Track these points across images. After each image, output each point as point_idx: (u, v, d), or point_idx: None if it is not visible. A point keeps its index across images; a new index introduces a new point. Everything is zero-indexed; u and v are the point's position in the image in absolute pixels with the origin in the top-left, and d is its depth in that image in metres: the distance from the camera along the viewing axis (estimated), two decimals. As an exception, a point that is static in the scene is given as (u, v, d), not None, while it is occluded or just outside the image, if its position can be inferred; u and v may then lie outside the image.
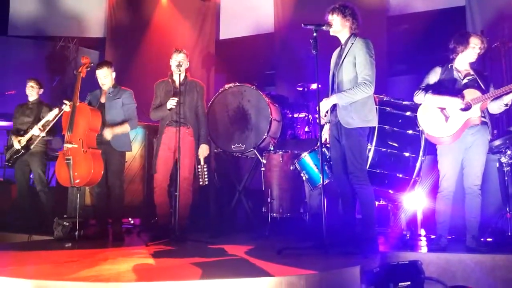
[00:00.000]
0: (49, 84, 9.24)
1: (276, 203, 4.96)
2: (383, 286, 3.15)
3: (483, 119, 3.91)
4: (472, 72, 4.02)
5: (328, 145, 4.16)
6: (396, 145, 4.32)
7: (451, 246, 3.97)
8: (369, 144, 4.16)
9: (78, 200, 4.71)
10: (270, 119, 5.19)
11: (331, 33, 3.95)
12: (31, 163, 5.57)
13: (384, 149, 4.29)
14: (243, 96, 5.39)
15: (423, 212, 4.69)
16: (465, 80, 3.99)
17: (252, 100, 5.35)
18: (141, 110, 5.18)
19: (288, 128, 6.81)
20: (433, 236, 4.25)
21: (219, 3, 9.10)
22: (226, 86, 5.50)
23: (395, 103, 4.44)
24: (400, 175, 4.32)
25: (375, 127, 4.09)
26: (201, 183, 4.72)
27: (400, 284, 3.16)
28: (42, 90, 5.80)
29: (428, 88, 4.04)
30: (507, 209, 4.33)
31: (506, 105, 3.83)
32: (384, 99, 4.46)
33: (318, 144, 3.92)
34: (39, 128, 5.35)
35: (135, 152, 5.95)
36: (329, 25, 3.88)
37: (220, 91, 5.53)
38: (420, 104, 4.10)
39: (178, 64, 4.62)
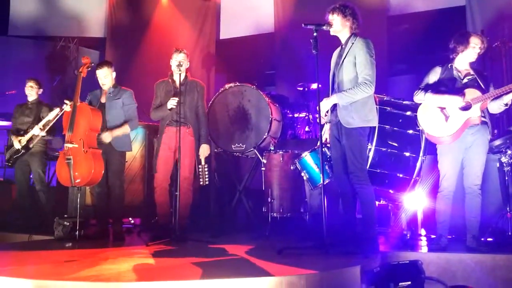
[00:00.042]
0: (50, 84, 9.25)
1: (277, 203, 4.96)
2: (383, 286, 3.15)
3: (483, 118, 3.91)
4: (472, 72, 4.02)
5: (328, 145, 4.17)
6: (396, 145, 4.32)
7: (452, 246, 3.98)
8: (369, 144, 4.16)
9: (78, 200, 4.71)
10: (270, 119, 5.19)
11: (332, 33, 3.95)
12: (31, 162, 5.57)
13: (384, 149, 4.29)
14: (243, 96, 5.39)
15: (423, 212, 4.69)
16: (465, 80, 3.99)
17: (253, 100, 5.35)
18: (141, 110, 5.18)
19: (288, 128, 6.82)
20: (433, 236, 4.25)
21: (219, 3, 9.10)
22: (227, 86, 5.49)
23: (396, 103, 4.44)
24: (401, 175, 4.32)
25: (375, 126, 4.09)
26: (201, 183, 4.72)
27: (400, 284, 3.16)
28: (41, 90, 5.80)
29: (428, 88, 4.04)
30: (508, 209, 4.33)
31: (506, 104, 3.83)
32: (385, 98, 4.47)
33: (319, 143, 3.93)
34: (40, 128, 5.35)
35: (135, 152, 5.95)
36: (330, 25, 3.87)
37: (220, 91, 5.53)
38: (420, 104, 4.10)
39: (179, 64, 4.62)
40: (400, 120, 4.36)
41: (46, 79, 9.12)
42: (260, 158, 5.14)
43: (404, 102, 4.43)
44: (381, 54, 5.92)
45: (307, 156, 4.63)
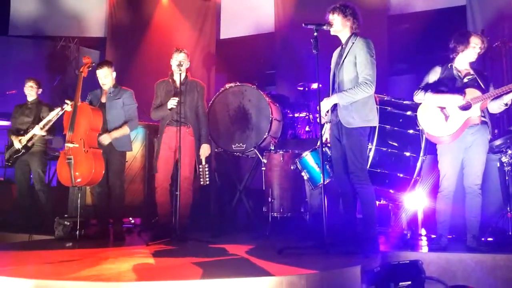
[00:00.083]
0: (50, 84, 9.25)
1: (277, 203, 4.96)
2: (383, 285, 3.15)
3: (483, 118, 3.91)
4: (472, 72, 4.02)
5: (329, 145, 4.16)
6: (396, 144, 4.32)
7: (452, 246, 3.98)
8: (369, 143, 4.16)
9: (79, 199, 4.71)
10: (270, 118, 5.19)
11: (332, 33, 3.95)
12: (31, 162, 5.57)
13: (384, 149, 4.29)
14: (243, 95, 5.39)
15: (423, 212, 4.69)
16: (465, 80, 3.99)
17: (253, 99, 5.34)
18: (141, 109, 5.18)
19: (288, 128, 6.82)
20: (433, 236, 4.26)
21: (220, 2, 9.10)
22: (227, 86, 5.49)
23: (396, 103, 4.44)
24: (401, 175, 4.32)
25: (375, 126, 4.09)
26: (202, 182, 4.72)
27: (400, 283, 3.16)
28: (41, 90, 5.81)
29: (428, 88, 4.04)
30: (508, 208, 4.33)
31: (506, 104, 3.83)
32: (385, 98, 4.47)
33: (319, 143, 3.92)
34: (40, 128, 5.35)
35: (135, 151, 5.95)
36: (330, 24, 3.87)
37: (220, 90, 5.53)
38: (420, 104, 4.10)
39: (179, 64, 4.62)
40: (401, 120, 4.36)
41: (47, 79, 9.12)
42: (261, 158, 5.14)
43: (404, 102, 4.43)
44: (381, 54, 5.91)
45: (307, 156, 4.63)
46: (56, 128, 5.63)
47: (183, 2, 9.14)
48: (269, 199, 4.95)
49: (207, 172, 4.72)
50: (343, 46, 3.93)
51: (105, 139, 4.70)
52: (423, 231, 4.69)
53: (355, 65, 3.78)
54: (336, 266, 3.10)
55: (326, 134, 4.18)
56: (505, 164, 4.44)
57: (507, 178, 4.41)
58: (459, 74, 4.02)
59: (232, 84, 5.46)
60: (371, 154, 4.24)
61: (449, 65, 4.07)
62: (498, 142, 4.51)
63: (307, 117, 7.17)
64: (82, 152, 4.54)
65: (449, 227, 4.00)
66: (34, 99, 5.71)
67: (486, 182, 4.19)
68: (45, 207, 5.61)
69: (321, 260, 3.35)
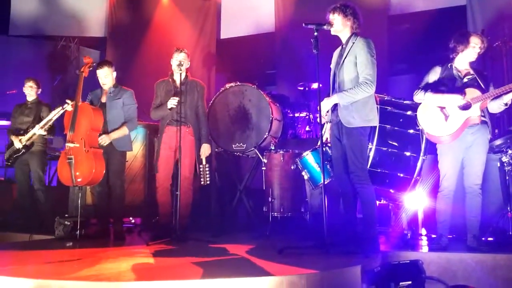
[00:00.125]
0: (50, 84, 9.26)
1: (277, 203, 4.96)
2: (384, 285, 3.15)
3: (483, 118, 3.91)
4: (472, 72, 4.02)
5: (329, 145, 4.16)
6: (397, 144, 4.32)
7: (452, 246, 3.98)
8: (370, 143, 4.16)
9: (79, 199, 4.71)
10: (271, 118, 5.19)
11: (332, 33, 3.95)
12: (31, 162, 5.56)
13: (385, 149, 4.29)
14: (244, 95, 5.39)
15: (424, 212, 4.69)
16: (465, 80, 3.99)
17: (253, 99, 5.34)
18: (141, 109, 5.18)
19: (289, 128, 6.82)
20: (434, 236, 4.25)
21: (220, 2, 9.11)
22: (227, 86, 5.49)
23: (396, 103, 4.44)
24: (401, 175, 4.32)
25: (376, 126, 4.09)
26: (202, 182, 4.72)
27: (401, 283, 3.16)
28: (40, 89, 5.81)
29: (428, 87, 4.04)
30: (508, 208, 4.33)
31: (506, 104, 3.83)
32: (385, 98, 4.47)
33: (319, 143, 3.93)
34: (41, 127, 5.34)
35: (136, 151, 5.95)
36: (330, 24, 3.87)
37: (221, 90, 5.52)
38: (420, 103, 4.10)
39: (179, 64, 4.62)
40: (401, 120, 4.36)
41: (47, 79, 9.14)
42: (261, 158, 5.14)
43: (404, 102, 4.43)
44: (381, 54, 5.92)
45: (308, 156, 4.63)
46: (56, 128, 5.64)
47: (183, 1, 9.15)
48: (270, 199, 4.95)
49: (207, 172, 4.72)
50: (344, 46, 3.93)
51: (104, 140, 4.70)
52: (423, 231, 4.69)
53: (356, 65, 3.78)
54: (337, 266, 3.09)
55: (326, 134, 4.18)
56: (505, 164, 4.44)
57: (507, 178, 4.41)
58: (459, 74, 4.02)
59: (233, 84, 5.46)
60: (371, 154, 4.24)
61: (449, 65, 4.07)
62: (498, 142, 4.51)
63: (307, 117, 7.18)
64: (83, 152, 4.54)
65: (449, 227, 4.00)
66: (34, 99, 5.72)
67: (486, 182, 4.19)
68: (44, 207, 5.61)
69: (321, 260, 3.35)
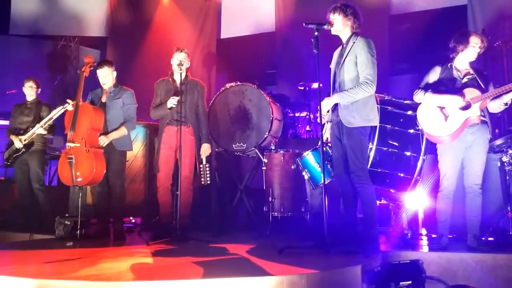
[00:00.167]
0: (51, 83, 9.27)
1: (278, 202, 4.96)
2: (384, 285, 3.15)
3: (482, 118, 3.90)
4: (472, 71, 4.02)
5: (329, 145, 4.16)
6: (397, 144, 4.32)
7: (452, 246, 3.98)
8: (370, 143, 4.16)
9: (79, 199, 4.71)
10: (271, 118, 5.19)
11: (333, 32, 3.94)
12: (30, 161, 5.56)
13: (385, 148, 4.29)
14: (244, 95, 5.39)
15: (424, 211, 4.69)
16: (465, 79, 3.99)
17: (253, 99, 5.34)
18: (142, 108, 5.18)
19: (289, 127, 6.81)
20: (434, 235, 4.25)
21: (220, 2, 9.11)
22: (227, 85, 5.49)
23: (397, 102, 4.44)
24: (401, 174, 4.32)
25: (376, 126, 4.08)
26: (203, 182, 4.72)
27: (401, 283, 3.16)
28: (40, 89, 5.82)
29: (428, 87, 4.03)
30: (508, 208, 4.32)
31: (506, 104, 3.83)
32: (386, 98, 4.46)
33: (320, 143, 3.92)
34: (42, 127, 5.34)
35: (136, 151, 5.95)
36: (331, 24, 3.87)
37: (221, 90, 5.52)
38: (420, 103, 4.10)
39: (179, 63, 4.62)
40: (401, 120, 4.36)
41: (47, 78, 9.15)
42: (261, 158, 5.14)
43: (405, 102, 4.43)
44: (382, 53, 5.92)
45: (308, 155, 4.63)
46: (56, 128, 5.64)
47: (183, 1, 9.15)
48: (270, 199, 4.95)
49: (207, 172, 4.72)
50: (344, 45, 3.93)
51: (103, 141, 4.70)
52: (423, 231, 4.70)
53: (356, 65, 3.78)
54: (337, 266, 3.09)
55: (326, 133, 4.18)
56: (505, 164, 4.43)
57: (507, 177, 4.41)
58: (459, 73, 4.02)
59: (233, 84, 5.46)
60: (372, 154, 4.24)
61: (449, 64, 4.07)
62: (498, 141, 4.51)
63: (307, 116, 7.17)
64: (84, 152, 4.54)
65: (449, 227, 4.00)
66: (33, 99, 5.72)
67: (486, 181, 4.19)
68: (44, 206, 5.60)
69: (321, 260, 3.35)
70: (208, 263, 3.32)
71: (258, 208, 5.31)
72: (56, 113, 5.16)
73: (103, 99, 4.90)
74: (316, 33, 3.76)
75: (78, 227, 4.61)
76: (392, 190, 4.38)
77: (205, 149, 4.82)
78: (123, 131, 4.82)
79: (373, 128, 4.11)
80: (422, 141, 4.30)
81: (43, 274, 2.90)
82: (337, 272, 2.98)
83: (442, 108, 3.94)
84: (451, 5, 7.39)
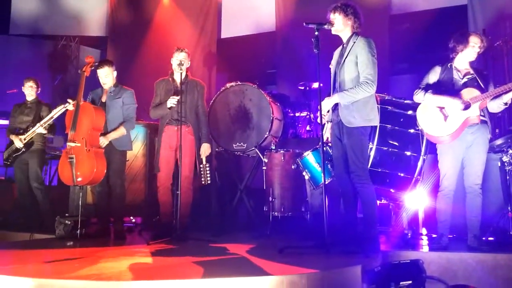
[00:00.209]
0: (51, 83, 9.27)
1: (278, 202, 4.96)
2: (384, 285, 3.15)
3: (482, 118, 3.90)
4: (472, 71, 4.02)
5: (330, 144, 4.16)
6: (397, 144, 4.31)
7: (453, 245, 3.97)
8: (370, 143, 4.16)
9: (80, 198, 4.71)
10: (271, 118, 5.19)
11: (333, 32, 3.94)
12: (30, 160, 5.55)
13: (385, 148, 4.29)
14: (244, 95, 5.39)
15: (424, 211, 4.69)
16: (465, 79, 3.99)
17: (254, 99, 5.34)
18: (142, 108, 5.18)
19: (289, 127, 6.81)
20: (434, 235, 4.25)
21: (221, 2, 9.11)
22: (228, 85, 5.49)
23: (397, 102, 4.44)
24: (402, 174, 4.32)
25: (376, 126, 4.08)
26: (203, 182, 4.72)
27: (401, 283, 3.16)
28: (39, 89, 5.82)
29: (428, 88, 4.03)
30: (509, 208, 4.32)
31: (506, 104, 3.83)
32: (386, 98, 4.46)
33: (320, 143, 3.92)
34: (42, 126, 5.34)
35: (136, 151, 5.95)
36: (331, 24, 3.87)
37: (221, 90, 5.52)
38: (420, 104, 4.10)
39: (180, 63, 4.62)
40: (401, 119, 4.36)
41: (47, 78, 9.16)
42: (261, 157, 5.14)
43: (405, 101, 4.42)
44: (382, 53, 5.92)
45: (309, 156, 4.63)
46: (56, 127, 5.64)
47: (184, 1, 9.15)
48: (270, 199, 4.95)
49: (207, 172, 4.72)
50: (344, 45, 3.93)
51: (102, 142, 4.69)
52: (424, 231, 4.69)
53: (356, 65, 3.77)
54: (337, 266, 3.10)
55: (327, 133, 4.18)
56: (506, 164, 4.43)
57: (508, 177, 4.40)
58: (459, 73, 4.02)
59: (233, 83, 5.46)
60: (372, 154, 4.24)
61: (449, 64, 4.06)
62: (499, 141, 4.50)
63: (308, 116, 7.17)
64: (84, 151, 4.54)
65: (450, 227, 4.00)
66: (33, 99, 5.72)
67: (487, 181, 4.19)
68: (43, 205, 5.60)
69: (321, 260, 3.35)
70: (208, 262, 3.32)
71: (258, 208, 5.31)
72: (56, 112, 5.15)
73: (103, 99, 4.90)
74: (316, 33, 3.76)
75: (79, 226, 4.62)
76: (392, 190, 4.38)
77: (205, 149, 4.82)
78: (122, 131, 4.82)
79: (373, 128, 4.10)
80: (422, 141, 4.30)
81: (43, 274, 2.90)
82: (337, 272, 2.98)
83: (441, 108, 3.94)
84: (451, 5, 7.39)
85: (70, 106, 4.74)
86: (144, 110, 5.33)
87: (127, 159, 5.08)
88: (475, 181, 3.90)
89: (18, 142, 5.42)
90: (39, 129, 5.32)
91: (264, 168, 5.11)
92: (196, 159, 4.81)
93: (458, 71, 4.02)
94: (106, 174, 4.69)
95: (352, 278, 3.00)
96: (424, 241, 4.36)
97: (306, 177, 4.67)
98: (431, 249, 3.90)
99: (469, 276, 3.53)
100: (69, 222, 4.73)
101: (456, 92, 3.91)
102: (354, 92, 3.71)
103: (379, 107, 4.13)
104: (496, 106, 3.89)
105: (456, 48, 3.99)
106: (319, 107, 3.81)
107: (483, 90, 3.86)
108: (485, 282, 3.48)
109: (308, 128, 7.12)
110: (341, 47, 4.00)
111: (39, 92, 5.82)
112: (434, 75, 4.09)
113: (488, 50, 4.33)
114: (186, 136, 4.69)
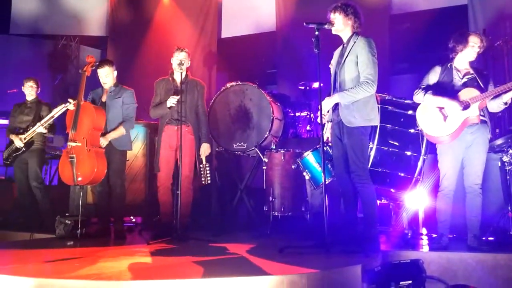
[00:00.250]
0: (51, 83, 9.27)
1: (278, 202, 4.96)
2: (384, 285, 3.15)
3: (482, 117, 3.90)
4: (471, 71, 4.01)
5: (330, 144, 4.16)
6: (397, 144, 4.32)
7: (453, 245, 3.97)
8: (370, 142, 4.16)
9: (80, 198, 4.71)
10: (271, 117, 5.19)
11: (333, 32, 3.94)
12: (30, 160, 5.55)
13: (385, 148, 4.29)
14: (244, 94, 5.39)
15: (424, 211, 4.68)
16: (464, 79, 3.99)
17: (254, 98, 5.34)
18: (142, 108, 5.18)
19: (289, 127, 6.81)
20: (434, 235, 4.25)
21: (221, 1, 9.11)
22: (228, 85, 5.49)
23: (397, 102, 4.44)
24: (402, 174, 4.32)
25: (377, 125, 4.08)
26: (203, 182, 4.72)
27: (401, 283, 3.16)
28: (39, 89, 5.83)
29: (428, 88, 4.03)
30: (509, 208, 4.32)
31: (506, 103, 3.83)
32: (386, 97, 4.46)
33: (320, 143, 3.92)
34: (43, 125, 5.34)
35: (136, 150, 5.95)
36: (331, 23, 3.86)
37: (222, 89, 5.52)
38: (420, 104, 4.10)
39: (180, 63, 4.61)
40: (402, 119, 4.36)
41: (47, 78, 9.16)
42: (262, 157, 5.14)
43: (405, 101, 4.43)
44: (383, 53, 5.92)
45: (309, 156, 4.63)
46: (57, 127, 5.64)
47: (184, 1, 9.14)
48: (270, 198, 4.95)
49: (208, 171, 4.72)
50: (345, 45, 3.93)
51: (102, 142, 4.69)
52: (424, 230, 4.69)
53: (357, 65, 3.77)
54: (337, 265, 3.10)
55: (327, 133, 4.18)
56: (506, 164, 4.43)
57: (508, 177, 4.40)
58: (459, 73, 4.02)
59: (233, 83, 5.46)
60: (372, 153, 4.24)
61: (449, 64, 4.06)
62: (499, 141, 4.50)
63: (308, 116, 7.17)
64: (85, 151, 4.54)
65: (450, 227, 4.00)
66: (33, 99, 5.73)
67: (487, 181, 4.19)
68: (42, 204, 5.60)
69: (322, 259, 3.35)
70: (209, 262, 3.32)
71: (259, 208, 5.32)
72: (57, 111, 5.16)
73: (104, 99, 4.90)
74: (316, 33, 3.76)
75: (79, 226, 4.62)
76: (392, 190, 4.38)
77: (205, 149, 4.82)
78: (121, 131, 4.82)
79: (374, 127, 4.10)
80: (423, 141, 4.30)
81: (43, 273, 2.90)
82: (337, 272, 2.98)
83: (441, 109, 3.94)
84: (452, 4, 7.39)
85: (70, 105, 4.75)
86: (144, 109, 5.33)
87: (127, 159, 5.07)
88: (475, 181, 3.90)
89: (19, 141, 5.42)
90: (40, 128, 5.32)
91: (264, 168, 5.12)
92: (196, 159, 4.80)
93: (458, 71, 4.02)
94: (106, 174, 4.69)
95: (352, 277, 3.00)
96: (424, 241, 4.36)
97: (307, 177, 4.67)
98: (431, 249, 3.90)
99: (469, 276, 3.53)
100: (70, 222, 4.74)
101: (456, 92, 3.91)
102: (354, 92, 3.71)
103: (379, 107, 4.13)
104: (496, 105, 3.89)
105: (456, 48, 3.99)
106: (319, 107, 3.80)
107: (482, 90, 3.86)
108: (485, 282, 3.48)
109: (308, 128, 7.12)
110: (341, 47, 4.00)
111: (39, 92, 5.82)
112: (434, 75, 4.09)
113: (488, 50, 4.33)
114: (186, 135, 4.69)
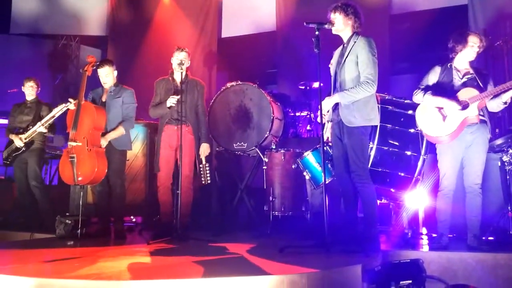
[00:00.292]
0: (51, 83, 9.27)
1: (278, 202, 4.96)
2: (384, 284, 3.15)
3: (481, 117, 3.90)
4: (471, 71, 4.01)
5: (330, 144, 4.16)
6: (397, 143, 4.32)
7: (453, 245, 3.97)
8: (371, 142, 4.16)
9: (80, 198, 4.71)
10: (272, 117, 5.19)
11: (334, 32, 3.94)
12: (29, 159, 5.55)
13: (386, 148, 4.29)
14: (245, 94, 5.39)
15: (424, 211, 4.69)
16: (464, 79, 3.99)
17: (254, 98, 5.34)
18: (142, 108, 5.18)
19: (290, 127, 6.81)
20: (434, 235, 4.26)
21: (221, 1, 9.10)
22: (228, 85, 5.49)
23: (397, 102, 4.44)
24: (402, 174, 4.32)
25: (377, 125, 4.08)
26: (203, 182, 4.72)
27: (401, 282, 3.16)
28: (39, 89, 5.83)
29: (428, 88, 4.03)
30: (509, 208, 4.32)
31: (505, 103, 3.83)
32: (386, 97, 4.46)
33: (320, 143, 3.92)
34: (43, 125, 5.34)
35: (136, 150, 5.96)
36: (332, 23, 3.86)
37: (222, 89, 5.52)
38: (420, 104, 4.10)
39: (180, 63, 4.61)
40: (402, 119, 4.36)
41: (48, 78, 9.16)
42: (262, 157, 5.14)
43: (405, 101, 4.43)
44: (383, 53, 5.92)
45: (309, 155, 4.63)
46: (57, 126, 5.64)
47: (184, 0, 9.14)
48: (270, 198, 4.96)
49: (207, 171, 4.72)
50: (345, 45, 3.93)
51: (102, 143, 4.69)
52: (424, 230, 4.69)
53: (357, 64, 3.77)
54: (337, 265, 3.10)
55: (327, 133, 4.18)
56: (506, 163, 4.43)
57: (508, 177, 4.40)
58: (459, 73, 4.02)
59: (234, 83, 5.46)
60: (372, 153, 4.24)
61: (449, 64, 4.06)
62: (499, 141, 4.50)
63: (308, 116, 7.17)
64: (85, 151, 4.54)
65: (450, 226, 4.00)
66: (33, 98, 5.73)
67: (487, 181, 4.19)
68: (42, 204, 5.60)
69: (322, 259, 3.35)
70: (209, 262, 3.32)
71: (259, 208, 5.32)
72: (58, 111, 5.16)
73: (104, 98, 4.90)
74: (317, 33, 3.76)
75: (79, 226, 4.62)
76: (392, 190, 4.38)
77: (204, 149, 4.82)
78: (120, 130, 4.82)
79: (374, 127, 4.10)
80: (423, 141, 4.30)
81: (43, 273, 2.90)
82: (337, 271, 2.98)
83: (440, 109, 3.93)
84: (452, 4, 7.39)
85: (71, 105, 4.75)
86: (145, 109, 5.32)
87: (127, 159, 5.07)
88: (475, 180, 3.90)
89: (19, 141, 5.42)
90: (40, 128, 5.33)
91: (265, 167, 5.12)
92: (196, 159, 4.80)
93: (458, 71, 4.02)
94: (106, 174, 4.69)
95: (352, 277, 3.00)
96: (424, 240, 4.36)
97: (307, 177, 4.67)
98: (431, 248, 3.90)
99: (469, 275, 3.53)
100: (70, 222, 4.74)
101: (455, 92, 3.91)
102: (354, 91, 3.71)
103: (379, 106, 4.13)
104: (496, 105, 3.89)
105: (455, 48, 3.99)
106: (319, 106, 3.80)
107: (482, 90, 3.85)
108: (485, 281, 3.49)
109: (308, 127, 7.12)
110: (341, 46, 4.00)
111: (39, 92, 5.82)
112: (433, 75, 4.09)
113: (488, 50, 4.33)
114: (186, 135, 4.68)
